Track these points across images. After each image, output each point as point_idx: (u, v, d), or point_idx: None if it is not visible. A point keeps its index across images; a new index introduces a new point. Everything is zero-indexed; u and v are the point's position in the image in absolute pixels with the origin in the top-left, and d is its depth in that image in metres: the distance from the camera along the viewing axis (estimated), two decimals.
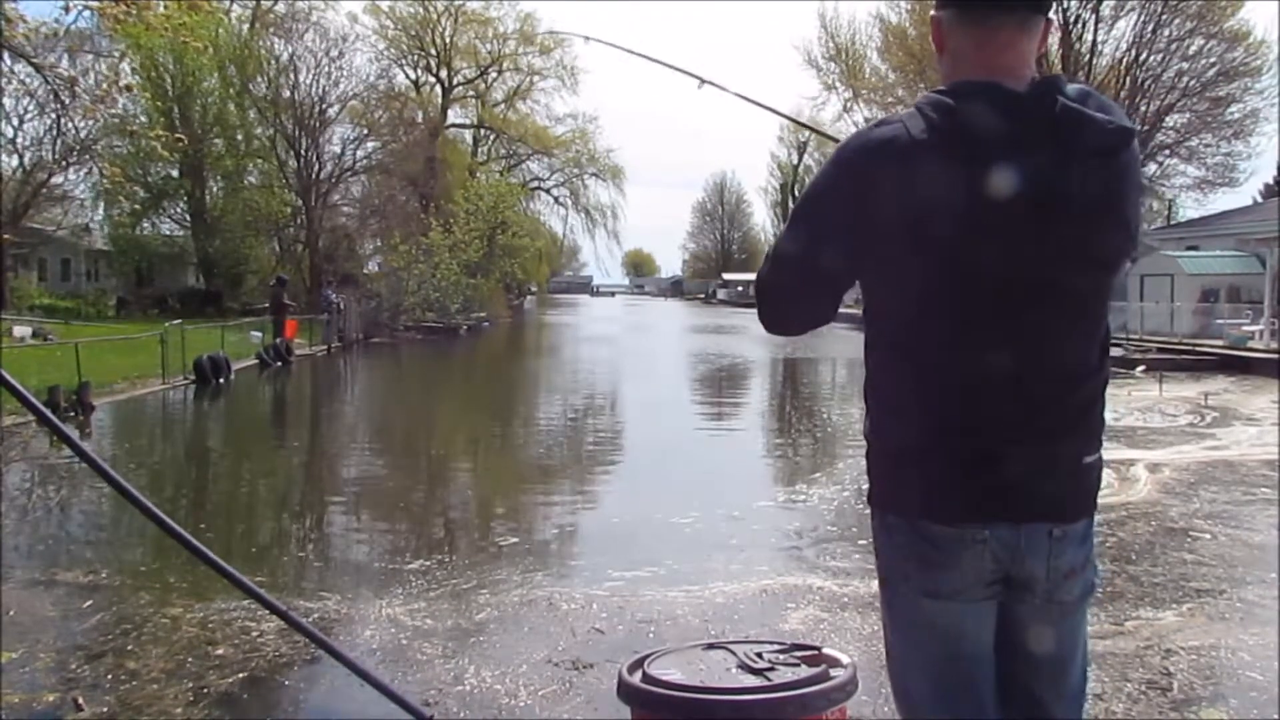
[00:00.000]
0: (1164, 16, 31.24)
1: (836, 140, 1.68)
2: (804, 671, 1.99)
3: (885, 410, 1.61)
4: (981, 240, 1.44)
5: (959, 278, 1.46)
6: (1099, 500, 1.63)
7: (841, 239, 1.52)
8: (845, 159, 1.52)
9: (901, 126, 1.46)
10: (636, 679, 2.01)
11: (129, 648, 4.04)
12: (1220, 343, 21.66)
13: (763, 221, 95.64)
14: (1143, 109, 31.85)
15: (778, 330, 1.71)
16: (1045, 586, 1.56)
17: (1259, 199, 39.72)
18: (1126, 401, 13.35)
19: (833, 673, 2.00)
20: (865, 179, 1.48)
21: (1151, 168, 33.62)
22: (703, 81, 3.08)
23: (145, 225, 35.38)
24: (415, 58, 50.24)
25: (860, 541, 6.05)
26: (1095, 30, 32.27)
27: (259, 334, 20.64)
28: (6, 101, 24.80)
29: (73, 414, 11.32)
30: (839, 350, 26.82)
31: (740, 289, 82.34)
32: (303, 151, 34.56)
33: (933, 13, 1.60)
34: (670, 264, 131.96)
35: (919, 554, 1.55)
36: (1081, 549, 1.58)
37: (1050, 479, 1.54)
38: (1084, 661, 1.68)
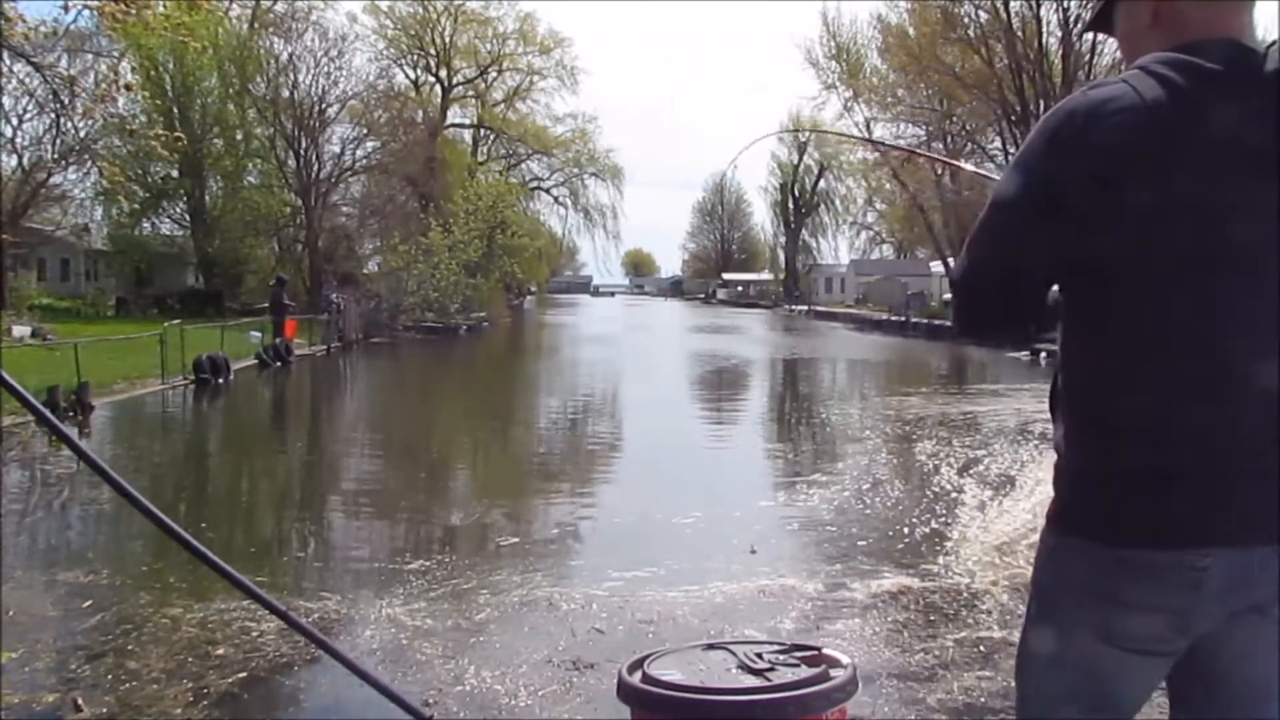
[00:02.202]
0: None
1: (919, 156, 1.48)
2: (804, 672, 1.99)
3: (1090, 418, 1.37)
4: (1218, 211, 1.27)
5: (1189, 257, 1.27)
6: None
7: (1052, 216, 1.32)
8: (1055, 125, 1.34)
9: (1125, 85, 1.30)
10: (636, 679, 2.01)
11: (129, 648, 4.04)
12: None
13: (762, 221, 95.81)
14: None
15: (976, 333, 1.55)
16: (1263, 605, 1.33)
17: None
18: None
19: (833, 673, 2.00)
20: (1084, 144, 1.29)
21: None
22: (912, 152, 2.86)
23: (145, 225, 35.40)
24: (415, 58, 50.33)
25: (860, 543, 6.05)
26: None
27: (258, 334, 20.63)
28: (6, 101, 24.83)
29: (72, 414, 11.32)
30: (838, 351, 26.85)
31: (740, 289, 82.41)
32: (302, 151, 34.56)
33: None
34: (670, 264, 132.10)
35: (1108, 588, 1.33)
36: None
37: (1275, 491, 1.29)
38: None
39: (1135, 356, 1.32)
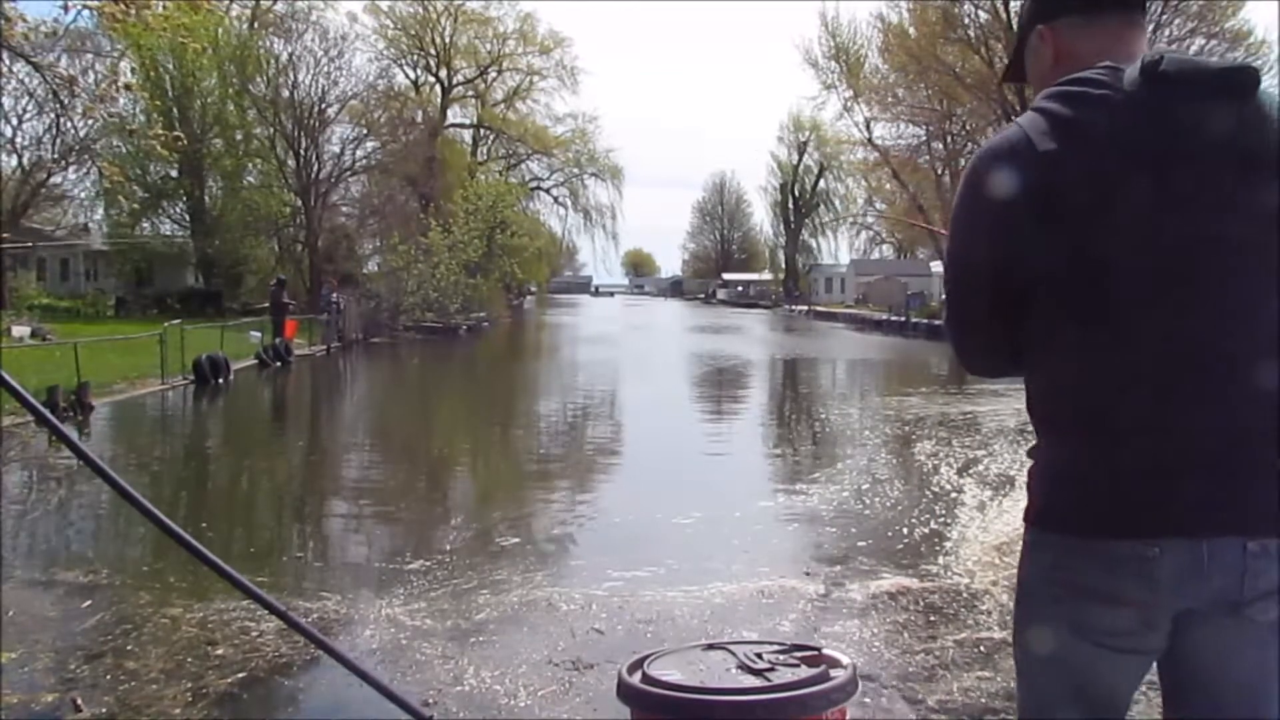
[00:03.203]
0: (1164, 17, 31.27)
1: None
2: (804, 672, 1.99)
3: (1051, 420, 1.49)
4: (1133, 216, 1.37)
5: (1110, 264, 1.38)
6: None
7: (992, 253, 1.47)
8: (972, 174, 1.50)
9: (1018, 128, 1.46)
10: (636, 679, 2.01)
11: (128, 648, 4.04)
12: None
13: (762, 221, 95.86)
14: None
15: (976, 371, 1.66)
16: (1237, 604, 1.36)
17: None
18: None
19: (832, 673, 2.00)
20: (994, 187, 1.44)
21: None
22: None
23: (145, 225, 35.39)
24: (415, 57, 50.34)
25: (860, 543, 6.05)
26: None
27: (258, 334, 20.63)
28: (6, 101, 24.84)
29: (72, 414, 11.31)
30: (839, 351, 26.84)
31: (740, 289, 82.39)
32: (302, 151, 34.55)
33: (1042, 26, 1.59)
34: (670, 264, 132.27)
35: (1075, 579, 1.40)
36: None
37: (1240, 483, 1.35)
38: None
39: (1079, 358, 1.42)
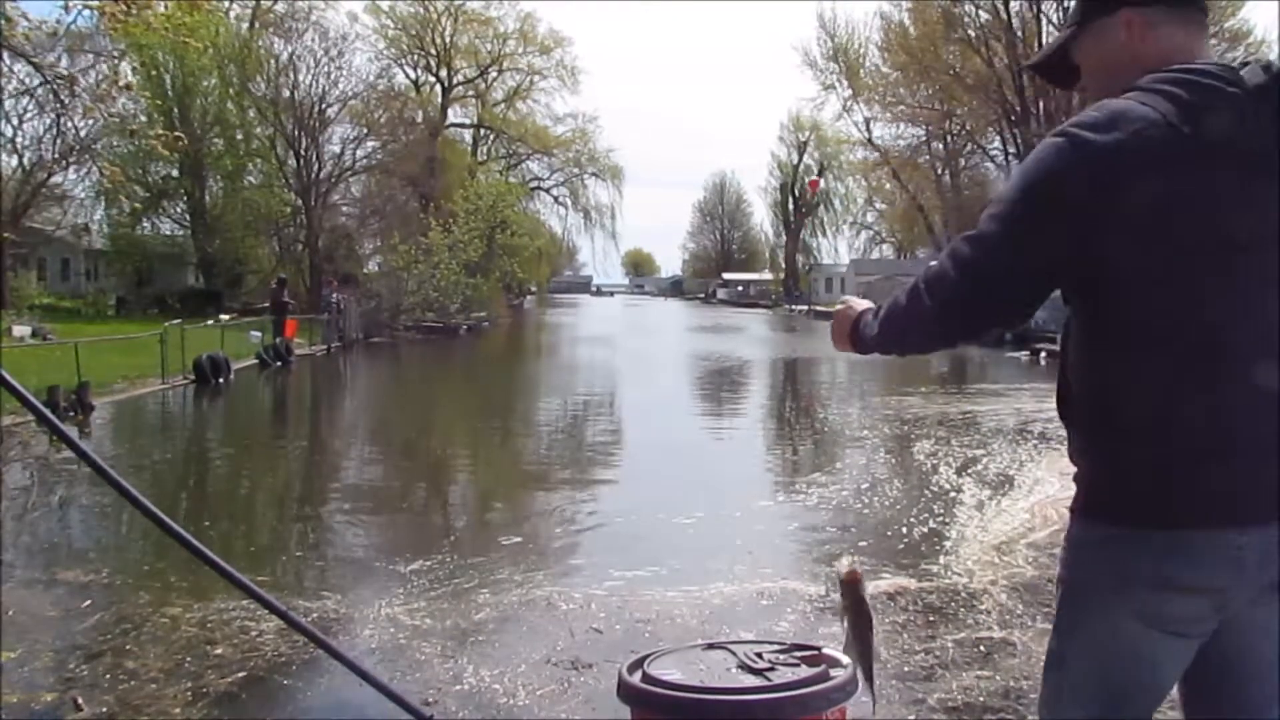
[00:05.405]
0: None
1: None
2: (804, 671, 1.99)
3: (1114, 418, 1.44)
4: (1238, 213, 1.36)
5: (1196, 259, 1.36)
6: None
7: (1057, 223, 1.41)
8: (1058, 140, 1.43)
9: (1150, 110, 1.38)
10: (636, 679, 2.01)
11: (128, 647, 4.04)
12: None
13: (762, 221, 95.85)
14: None
15: (956, 332, 1.62)
16: (1274, 585, 1.40)
17: None
18: None
19: (833, 673, 2.00)
20: (1086, 155, 1.38)
21: None
22: None
23: (145, 225, 35.42)
24: (415, 57, 50.34)
25: (860, 543, 6.06)
26: None
27: (258, 334, 20.63)
28: (6, 101, 24.83)
29: (72, 414, 11.31)
30: (839, 351, 26.81)
31: (740, 289, 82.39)
32: (302, 151, 34.57)
33: (1129, 11, 1.49)
34: (670, 264, 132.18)
35: (1154, 572, 1.39)
36: None
37: None
38: None
39: (1164, 352, 1.39)
